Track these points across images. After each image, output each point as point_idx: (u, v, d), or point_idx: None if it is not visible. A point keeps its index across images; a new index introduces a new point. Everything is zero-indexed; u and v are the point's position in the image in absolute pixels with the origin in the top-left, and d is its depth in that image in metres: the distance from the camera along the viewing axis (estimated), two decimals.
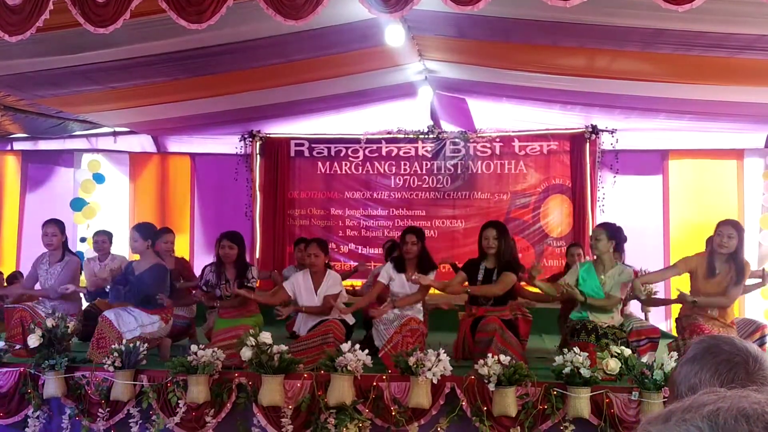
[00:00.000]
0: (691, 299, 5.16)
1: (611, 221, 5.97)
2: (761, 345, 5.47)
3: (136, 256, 5.91)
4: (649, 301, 6.09)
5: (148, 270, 5.56)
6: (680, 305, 5.62)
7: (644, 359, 4.89)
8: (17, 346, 5.54)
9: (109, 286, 5.86)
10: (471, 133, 9.61)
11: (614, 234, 5.47)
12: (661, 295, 8.05)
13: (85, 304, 6.70)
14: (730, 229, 5.17)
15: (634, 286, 5.30)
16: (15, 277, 7.99)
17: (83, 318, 6.36)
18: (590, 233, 5.55)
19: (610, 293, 5.27)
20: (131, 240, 5.71)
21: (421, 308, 5.82)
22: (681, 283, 6.02)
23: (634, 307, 6.82)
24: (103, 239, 6.94)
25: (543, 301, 6.22)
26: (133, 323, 5.39)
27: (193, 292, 6.36)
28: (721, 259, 5.23)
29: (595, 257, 5.50)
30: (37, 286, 6.18)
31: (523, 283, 5.95)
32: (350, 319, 5.89)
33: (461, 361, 5.29)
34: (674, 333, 7.54)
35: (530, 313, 6.64)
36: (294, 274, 6.15)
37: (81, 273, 6.48)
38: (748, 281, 5.66)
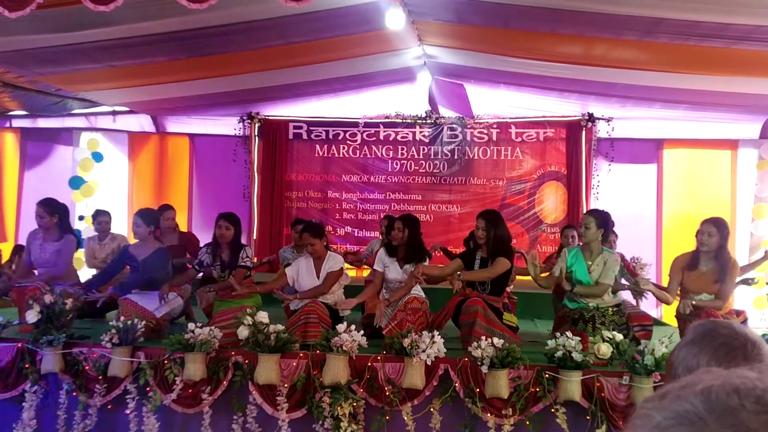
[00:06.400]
0: (688, 305, 5.09)
1: (601, 208, 5.98)
2: None
3: (133, 239, 5.93)
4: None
5: (151, 255, 5.65)
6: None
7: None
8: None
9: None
10: (468, 118, 9.62)
11: (603, 222, 5.39)
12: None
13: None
14: (710, 227, 5.17)
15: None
16: (18, 252, 8.03)
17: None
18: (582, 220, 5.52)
19: (599, 281, 5.25)
20: (134, 225, 5.73)
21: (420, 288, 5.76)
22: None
23: (626, 294, 6.86)
24: (106, 220, 7.00)
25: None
26: (157, 301, 5.51)
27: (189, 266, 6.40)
28: (705, 257, 5.24)
29: (582, 243, 5.47)
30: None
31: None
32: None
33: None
34: (665, 320, 7.64)
35: (515, 296, 6.69)
36: (297, 260, 6.10)
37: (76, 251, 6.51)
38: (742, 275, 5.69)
